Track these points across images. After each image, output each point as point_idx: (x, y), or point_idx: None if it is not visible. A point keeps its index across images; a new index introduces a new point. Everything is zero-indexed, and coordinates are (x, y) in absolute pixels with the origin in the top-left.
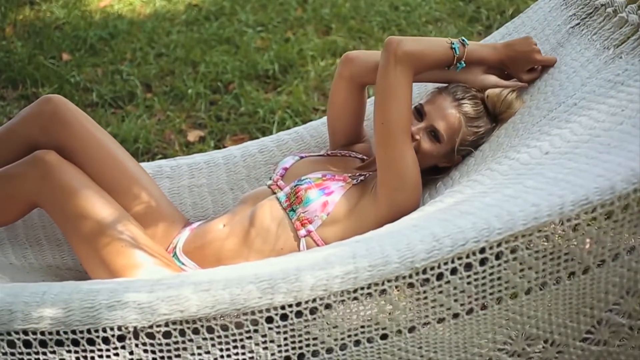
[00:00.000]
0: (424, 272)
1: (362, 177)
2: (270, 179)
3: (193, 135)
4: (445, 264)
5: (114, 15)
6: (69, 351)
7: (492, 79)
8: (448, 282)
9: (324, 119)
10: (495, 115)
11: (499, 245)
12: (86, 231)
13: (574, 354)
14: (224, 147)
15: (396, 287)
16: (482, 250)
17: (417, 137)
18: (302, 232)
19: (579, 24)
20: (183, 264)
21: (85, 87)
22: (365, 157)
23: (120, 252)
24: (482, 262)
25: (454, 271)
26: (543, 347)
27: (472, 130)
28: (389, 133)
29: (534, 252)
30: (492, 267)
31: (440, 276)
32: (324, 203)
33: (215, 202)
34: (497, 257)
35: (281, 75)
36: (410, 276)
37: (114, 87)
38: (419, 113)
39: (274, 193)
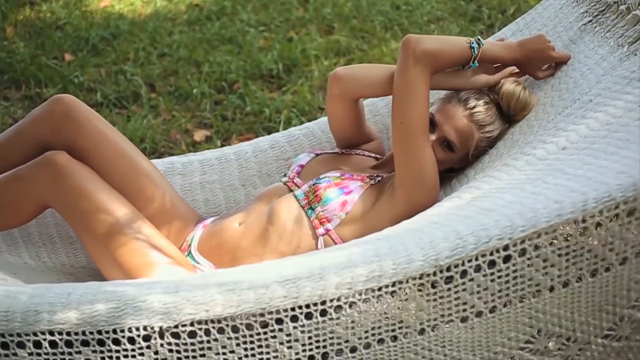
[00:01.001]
0: (448, 269)
1: (379, 178)
2: (285, 175)
3: (199, 135)
4: (469, 261)
5: (115, 16)
6: (94, 351)
7: (483, 78)
8: (472, 279)
9: None
10: (510, 116)
11: (522, 242)
12: (99, 231)
13: (595, 350)
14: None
15: (420, 285)
16: (506, 248)
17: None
18: (321, 230)
19: (591, 21)
20: (198, 262)
21: (89, 87)
22: (378, 156)
23: (134, 252)
24: (506, 259)
25: (477, 269)
26: (565, 345)
27: (485, 136)
28: (408, 133)
29: (557, 250)
30: (516, 264)
31: (464, 274)
32: (343, 202)
33: (227, 199)
34: (521, 254)
35: (285, 74)
36: (434, 274)
37: (118, 87)
38: (431, 123)
39: (291, 190)
